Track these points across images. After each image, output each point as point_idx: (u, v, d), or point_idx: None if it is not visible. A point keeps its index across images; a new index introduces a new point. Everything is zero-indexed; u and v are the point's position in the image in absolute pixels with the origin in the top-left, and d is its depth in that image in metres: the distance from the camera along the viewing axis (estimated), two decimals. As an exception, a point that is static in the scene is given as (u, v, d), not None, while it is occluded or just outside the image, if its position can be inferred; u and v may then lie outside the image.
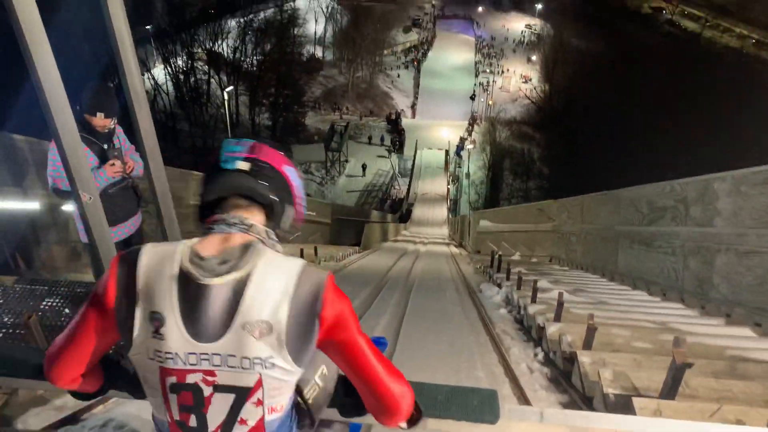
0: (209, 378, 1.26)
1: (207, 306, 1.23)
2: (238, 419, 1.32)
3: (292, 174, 1.46)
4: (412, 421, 1.56)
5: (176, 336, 1.23)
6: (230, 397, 1.29)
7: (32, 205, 6.19)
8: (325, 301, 1.28)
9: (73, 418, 3.23)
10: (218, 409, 1.30)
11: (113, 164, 3.95)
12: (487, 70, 70.70)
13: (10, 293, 4.69)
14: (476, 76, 69.87)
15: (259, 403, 1.31)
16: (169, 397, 1.30)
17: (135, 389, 1.50)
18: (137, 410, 3.28)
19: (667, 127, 30.40)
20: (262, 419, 1.33)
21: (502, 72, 70.16)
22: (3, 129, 5.89)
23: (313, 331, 1.28)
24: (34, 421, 3.16)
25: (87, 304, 1.34)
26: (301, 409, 1.54)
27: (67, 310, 4.42)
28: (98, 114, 3.87)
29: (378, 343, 2.46)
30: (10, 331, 3.67)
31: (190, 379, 1.27)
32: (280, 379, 1.29)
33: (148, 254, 1.29)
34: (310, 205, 21.81)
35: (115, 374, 1.59)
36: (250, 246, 1.30)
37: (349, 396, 1.63)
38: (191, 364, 1.25)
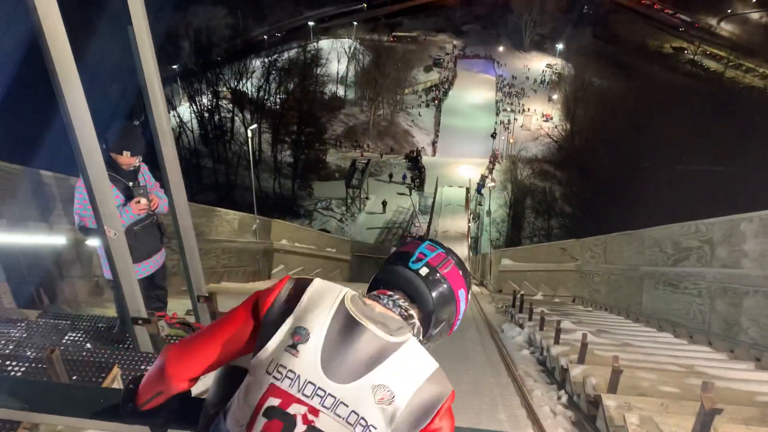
0: (310, 416, 1.25)
1: (352, 346, 1.26)
2: None
3: (462, 298, 1.52)
4: None
5: (309, 359, 1.25)
6: None
7: (57, 240, 6.29)
8: (436, 415, 1.31)
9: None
10: None
11: (138, 201, 4.01)
12: (508, 109, 71.08)
13: (34, 327, 4.74)
14: (497, 114, 70.23)
15: None
16: (258, 420, 1.27)
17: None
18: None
19: (691, 167, 30.17)
20: None
21: (523, 111, 70.48)
22: (31, 165, 6.03)
23: (416, 429, 1.31)
24: (53, 458, 3.13)
25: (240, 306, 1.40)
26: None
27: (88, 345, 4.45)
28: (124, 152, 3.95)
29: None
30: (33, 365, 3.68)
31: (293, 409, 1.25)
32: None
33: (318, 284, 1.36)
34: (330, 241, 21.89)
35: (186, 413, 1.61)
36: (407, 326, 1.38)
37: None
38: (304, 395, 1.25)
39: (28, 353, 4.00)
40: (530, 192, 51.42)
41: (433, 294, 1.45)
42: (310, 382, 1.24)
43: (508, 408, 4.97)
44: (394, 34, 79.76)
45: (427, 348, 1.43)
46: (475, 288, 24.35)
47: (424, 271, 1.45)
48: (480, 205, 52.82)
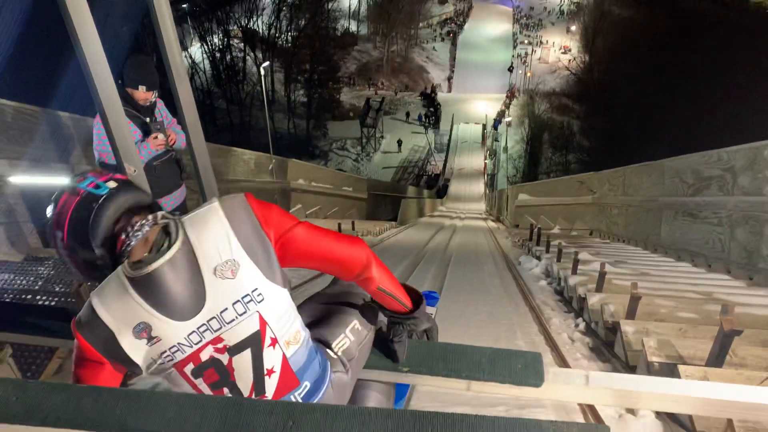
0: (219, 345, 1.29)
1: (171, 285, 1.25)
2: (265, 372, 1.35)
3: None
4: (415, 303, 1.64)
5: (168, 330, 1.26)
6: (248, 354, 1.32)
7: (79, 181, 6.33)
8: (257, 215, 1.33)
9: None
10: (243, 371, 1.33)
11: (156, 137, 4.01)
12: (525, 41, 69.37)
13: (60, 265, 4.86)
14: (514, 47, 68.60)
15: (274, 342, 1.34)
16: (197, 383, 1.34)
17: None
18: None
19: (715, 97, 29.37)
20: (284, 359, 1.37)
21: (541, 43, 68.72)
22: (49, 106, 6.02)
23: (266, 242, 1.32)
24: (88, 385, 3.27)
25: (78, 371, 1.40)
26: (331, 357, 1.57)
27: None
28: (140, 87, 3.93)
29: (429, 296, 2.49)
30: (62, 299, 3.79)
31: (204, 355, 1.30)
32: (275, 306, 1.33)
33: (100, 304, 1.30)
34: (346, 180, 21.91)
35: None
36: (167, 227, 1.33)
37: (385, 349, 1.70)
38: (196, 343, 1.28)
39: (57, 288, 4.13)
40: (548, 127, 50.73)
41: (131, 193, 1.38)
42: (187, 335, 1.27)
43: (526, 335, 5.04)
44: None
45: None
46: (491, 224, 24.42)
47: (110, 185, 1.36)
48: (497, 141, 52.33)
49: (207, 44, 50.68)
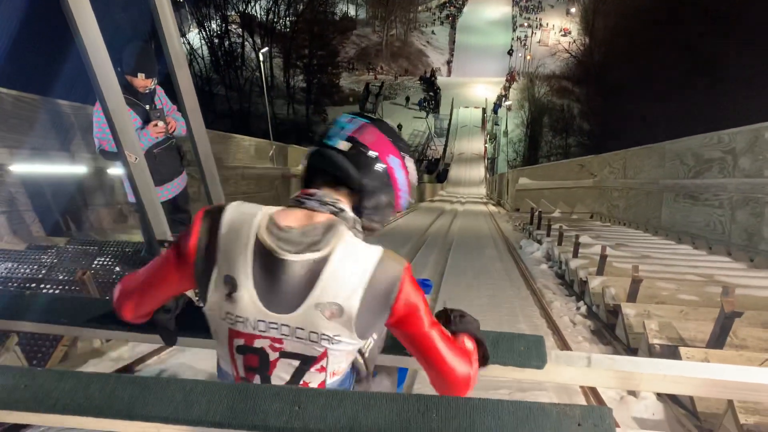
0: (276, 345, 1.28)
1: (282, 280, 1.22)
2: (301, 382, 1.34)
3: (395, 165, 1.37)
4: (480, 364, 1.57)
5: (248, 303, 1.24)
6: (295, 363, 1.31)
7: (79, 169, 6.36)
8: (399, 296, 1.26)
9: (129, 369, 3.37)
10: (282, 372, 1.33)
11: (156, 124, 4.01)
12: (525, 24, 68.98)
13: (64, 253, 4.87)
14: (513, 30, 68.23)
15: (323, 369, 1.33)
16: (236, 357, 1.33)
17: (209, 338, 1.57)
18: (190, 360, 3.40)
19: (715, 79, 29.18)
20: (323, 382, 1.36)
21: (540, 25, 68.30)
22: (49, 95, 6.01)
23: (383, 318, 1.28)
24: (93, 371, 3.30)
25: (169, 252, 1.35)
26: (358, 364, 1.56)
27: (117, 269, 4.58)
28: (139, 74, 3.92)
29: (423, 284, 2.47)
30: (67, 287, 3.81)
31: (258, 343, 1.29)
32: (345, 350, 1.31)
33: (231, 214, 1.27)
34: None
35: (193, 323, 1.62)
36: (333, 227, 1.26)
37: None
38: (260, 331, 1.27)
39: (61, 277, 4.14)
40: (548, 110, 50.51)
41: (358, 167, 1.31)
42: (259, 320, 1.25)
43: (528, 318, 5.07)
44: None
45: (369, 236, 1.36)
46: (492, 208, 24.42)
47: (343, 145, 1.30)
48: (497, 125, 52.18)
49: (205, 30, 50.34)
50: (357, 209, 1.36)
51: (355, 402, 1.35)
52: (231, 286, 1.23)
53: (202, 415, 1.32)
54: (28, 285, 3.92)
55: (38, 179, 5.87)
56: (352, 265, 1.23)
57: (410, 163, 1.43)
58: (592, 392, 3.16)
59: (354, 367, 1.53)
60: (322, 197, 1.30)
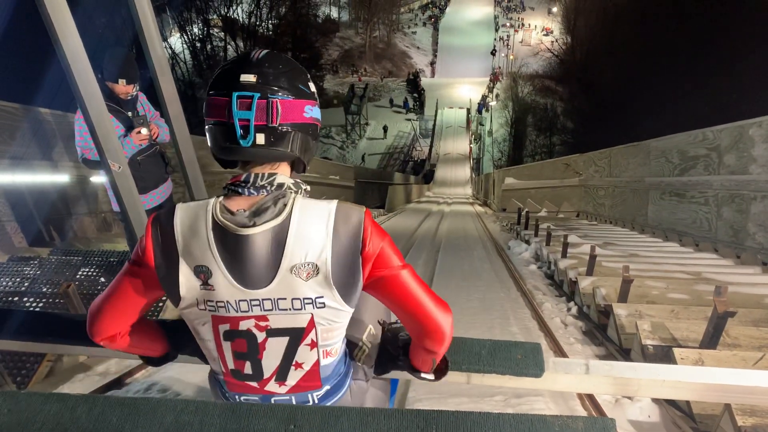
0: (262, 323, 1.27)
1: (250, 255, 1.22)
2: (293, 363, 1.33)
3: (314, 113, 1.32)
4: (439, 371, 1.59)
5: (225, 285, 1.23)
6: (284, 341, 1.30)
7: (62, 178, 6.27)
8: (365, 239, 1.26)
9: (117, 383, 3.30)
10: (273, 354, 1.31)
11: (140, 131, 3.94)
12: (507, 24, 69.27)
13: (47, 264, 4.79)
14: (496, 30, 68.49)
15: (313, 345, 1.31)
16: (223, 345, 1.32)
17: (202, 354, 1.54)
18: (178, 374, 3.33)
19: (698, 76, 29.42)
20: (317, 363, 1.35)
21: (522, 25, 68.66)
22: (30, 104, 5.92)
23: (358, 269, 1.27)
24: (79, 387, 3.23)
25: (128, 264, 1.33)
26: (356, 364, 1.57)
27: (102, 279, 4.50)
28: (120, 80, 3.85)
29: None
30: (50, 300, 3.73)
31: (243, 325, 1.28)
32: (331, 319, 1.29)
33: (182, 211, 1.27)
34: (333, 169, 21.83)
35: (182, 340, 1.61)
36: (281, 197, 1.26)
37: (383, 353, 1.66)
38: (243, 311, 1.26)
39: (44, 289, 4.06)
40: (531, 109, 50.78)
41: (287, 145, 1.26)
42: (240, 300, 1.24)
43: (519, 321, 5.05)
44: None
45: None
46: (478, 208, 24.47)
47: (260, 139, 1.23)
48: (481, 125, 52.31)
49: (186, 34, 50.07)
50: (295, 167, 1.37)
51: (352, 419, 1.31)
52: (205, 274, 1.23)
53: (194, 437, 1.28)
54: (10, 299, 3.83)
55: (20, 188, 5.77)
56: (313, 223, 1.23)
57: (316, 100, 1.36)
58: (588, 397, 3.14)
59: (350, 359, 1.54)
60: (256, 182, 1.27)
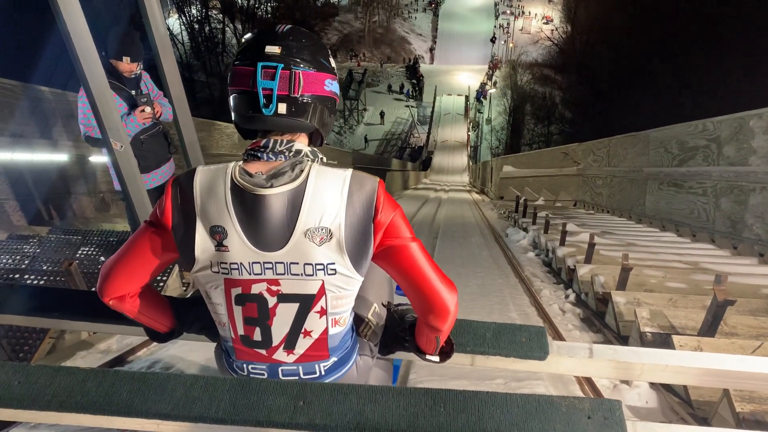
0: (273, 288, 1.29)
1: (267, 216, 1.24)
2: (302, 330, 1.35)
3: (333, 87, 1.38)
4: (444, 353, 1.60)
5: (239, 246, 1.25)
6: (294, 307, 1.32)
7: (61, 157, 6.24)
8: (378, 207, 1.29)
9: (119, 361, 3.31)
10: (283, 320, 1.33)
11: (143, 110, 3.92)
12: (507, 11, 68.92)
13: (46, 243, 4.78)
14: (496, 17, 68.14)
15: (323, 312, 1.33)
16: (234, 310, 1.33)
17: (208, 331, 1.54)
18: (181, 352, 3.34)
19: (699, 66, 29.33)
20: (326, 331, 1.37)
21: (523, 13, 68.31)
22: (30, 81, 5.88)
23: (369, 236, 1.29)
24: (81, 364, 3.23)
25: (144, 224, 1.35)
26: (362, 340, 1.58)
27: (102, 258, 4.50)
28: (124, 58, 3.82)
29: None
30: (51, 278, 3.73)
31: (255, 289, 1.30)
32: (342, 287, 1.32)
33: (202, 173, 1.29)
34: (330, 154, 21.79)
35: (188, 318, 1.65)
36: (298, 162, 1.29)
37: (389, 334, 1.69)
38: (256, 274, 1.28)
39: (44, 267, 4.05)
40: (530, 98, 50.61)
41: (307, 115, 1.31)
42: (253, 262, 1.26)
43: (518, 307, 5.07)
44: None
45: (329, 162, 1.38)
46: (476, 196, 24.48)
47: (280, 108, 1.28)
48: (480, 113, 52.21)
49: (185, 15, 49.59)
50: (314, 139, 1.43)
51: (360, 396, 1.32)
52: (220, 234, 1.25)
53: (204, 412, 1.29)
54: (11, 276, 3.83)
55: (19, 167, 5.75)
56: (328, 188, 1.26)
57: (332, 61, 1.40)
58: (587, 381, 3.16)
59: (356, 334, 1.56)
60: (275, 148, 1.31)
